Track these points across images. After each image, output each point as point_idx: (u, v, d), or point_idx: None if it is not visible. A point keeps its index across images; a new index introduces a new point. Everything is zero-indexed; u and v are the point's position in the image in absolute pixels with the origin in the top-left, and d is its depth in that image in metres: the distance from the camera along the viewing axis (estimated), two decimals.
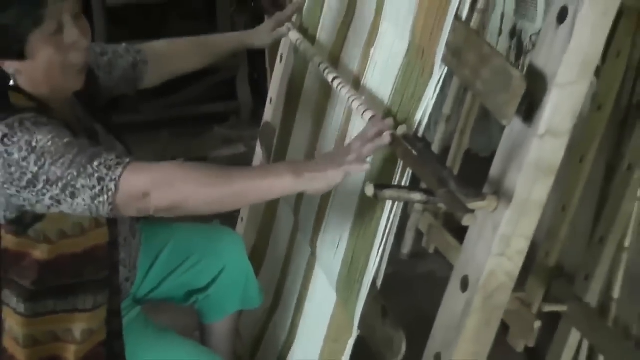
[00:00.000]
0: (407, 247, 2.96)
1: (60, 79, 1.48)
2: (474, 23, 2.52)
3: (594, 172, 2.38)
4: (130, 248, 1.71)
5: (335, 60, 1.81)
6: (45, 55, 1.43)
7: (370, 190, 1.25)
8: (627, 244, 2.30)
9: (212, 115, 4.11)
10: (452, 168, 2.75)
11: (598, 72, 2.31)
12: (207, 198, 1.38)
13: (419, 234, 2.94)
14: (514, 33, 2.48)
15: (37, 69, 1.44)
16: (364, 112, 1.47)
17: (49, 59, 1.44)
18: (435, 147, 2.80)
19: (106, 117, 1.71)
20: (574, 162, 2.37)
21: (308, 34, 1.98)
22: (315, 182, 1.38)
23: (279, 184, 1.39)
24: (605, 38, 1.16)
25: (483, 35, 2.59)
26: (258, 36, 2.04)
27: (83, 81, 1.53)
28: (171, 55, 1.95)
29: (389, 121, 1.42)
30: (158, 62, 1.89)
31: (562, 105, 1.16)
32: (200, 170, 1.41)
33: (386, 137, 1.39)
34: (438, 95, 1.41)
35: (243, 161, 2.79)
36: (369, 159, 1.41)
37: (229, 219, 2.42)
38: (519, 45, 2.47)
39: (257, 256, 2.22)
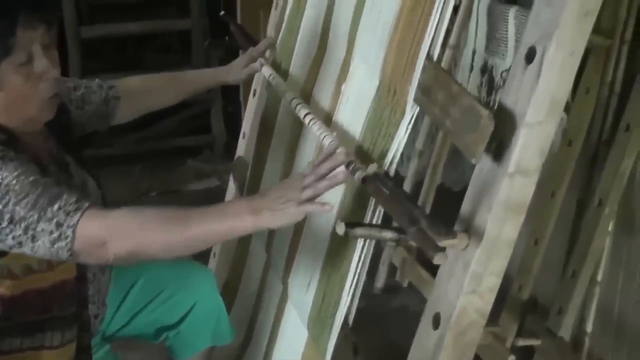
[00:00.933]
0: (380, 281, 2.95)
1: (30, 109, 1.47)
2: (445, 59, 2.54)
3: (565, 207, 2.40)
4: (100, 284, 1.69)
5: (307, 95, 1.81)
6: (15, 85, 1.42)
7: (341, 229, 1.24)
8: (599, 278, 2.32)
9: (186, 148, 4.11)
10: (425, 202, 2.76)
11: (568, 108, 2.33)
12: (165, 245, 1.37)
13: (392, 268, 2.93)
14: (485, 69, 2.50)
15: (7, 99, 1.44)
16: (335, 149, 1.47)
17: (18, 89, 1.43)
18: (408, 182, 2.80)
19: (78, 151, 1.70)
20: (545, 197, 2.38)
21: (281, 69, 1.99)
22: (275, 219, 1.37)
23: (238, 225, 1.39)
24: (573, 78, 1.17)
25: (455, 71, 2.61)
26: (232, 72, 2.05)
27: (54, 112, 1.53)
28: (144, 91, 1.95)
29: (342, 156, 1.39)
30: (131, 97, 1.89)
31: (531, 145, 1.17)
32: (157, 216, 1.39)
33: (340, 176, 1.37)
34: (411, 130, 1.41)
35: (216, 195, 2.77)
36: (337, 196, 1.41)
37: (201, 254, 2.39)
38: (490, 81, 2.49)
39: (229, 292, 2.20)
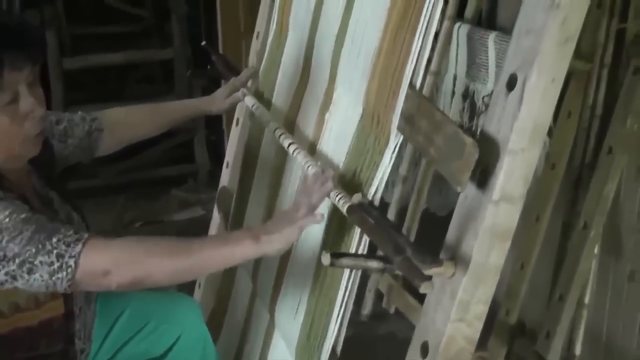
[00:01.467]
0: (367, 308, 2.94)
1: (15, 147, 1.46)
2: (427, 86, 2.55)
3: (550, 230, 2.40)
4: (86, 318, 1.68)
5: (290, 125, 1.82)
6: (1, 125, 1.42)
7: (326, 260, 1.24)
8: (586, 300, 2.32)
9: (170, 178, 4.09)
10: (410, 228, 2.76)
11: (550, 132, 2.34)
12: (169, 271, 1.41)
13: (379, 295, 2.93)
14: (467, 95, 2.51)
15: None
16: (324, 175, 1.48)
17: (4, 129, 1.43)
18: (393, 208, 2.80)
19: (61, 186, 1.69)
20: (531, 221, 2.39)
21: (264, 99, 1.99)
22: (273, 243, 1.41)
23: (239, 250, 1.42)
24: (555, 104, 1.17)
25: (436, 97, 2.62)
26: (215, 102, 2.06)
27: (39, 149, 1.53)
28: (127, 123, 1.95)
29: (329, 172, 1.45)
30: (114, 129, 1.89)
31: (515, 171, 1.17)
32: (160, 244, 1.43)
33: (329, 185, 1.43)
34: (395, 157, 1.42)
35: (201, 225, 2.76)
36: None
37: (186, 285, 2.39)
38: (472, 106, 2.50)
39: (215, 322, 2.19)
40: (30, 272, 1.36)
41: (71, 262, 1.35)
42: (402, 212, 2.81)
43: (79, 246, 1.37)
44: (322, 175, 1.45)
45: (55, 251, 1.36)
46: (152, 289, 1.85)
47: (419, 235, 2.77)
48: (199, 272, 1.49)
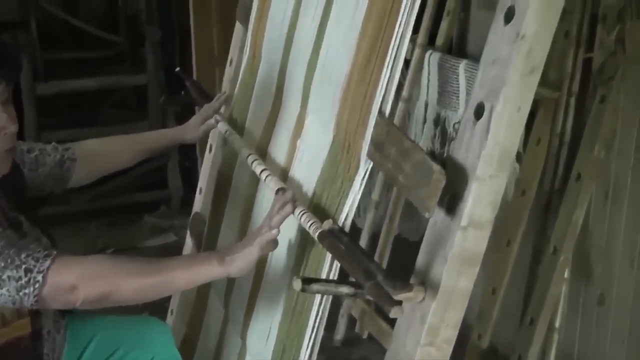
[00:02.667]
0: (340, 334, 2.94)
1: None
2: (399, 112, 2.58)
3: (521, 255, 2.43)
4: (55, 343, 1.68)
5: (263, 151, 1.83)
6: None
7: (297, 285, 1.25)
8: (557, 324, 2.34)
9: (142, 204, 4.08)
10: (382, 254, 2.78)
11: (520, 159, 2.37)
12: (135, 288, 1.44)
13: (352, 320, 2.93)
14: (438, 121, 2.54)
15: None
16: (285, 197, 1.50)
17: None
18: (365, 234, 2.81)
19: (31, 210, 1.69)
20: (501, 246, 2.41)
21: (237, 125, 2.00)
22: (235, 262, 1.48)
23: (204, 270, 1.49)
24: (521, 132, 1.20)
25: (408, 123, 2.65)
26: (189, 131, 2.07)
27: (8, 167, 1.54)
28: (102, 153, 1.95)
29: (290, 193, 1.52)
30: (87, 159, 1.89)
31: (483, 198, 1.19)
32: (127, 261, 1.48)
33: (289, 207, 1.48)
34: (367, 181, 1.43)
35: (173, 251, 2.77)
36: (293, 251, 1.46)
37: (158, 310, 2.39)
38: (443, 133, 2.53)
39: (187, 348, 2.18)
40: None
41: (39, 277, 1.37)
42: (374, 238, 2.83)
43: (48, 262, 1.39)
44: (283, 196, 1.51)
45: (23, 266, 1.37)
46: (123, 313, 1.87)
47: (391, 261, 2.79)
48: (166, 290, 1.53)
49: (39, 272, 1.37)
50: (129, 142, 2.02)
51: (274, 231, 1.48)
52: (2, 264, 1.37)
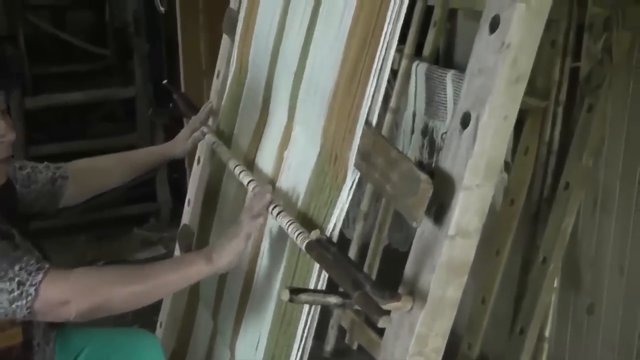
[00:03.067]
0: (329, 344, 2.93)
1: None
2: (387, 122, 2.58)
3: (510, 264, 2.43)
4: (44, 355, 1.68)
5: (250, 162, 1.83)
6: None
7: (285, 295, 1.25)
8: (547, 334, 2.34)
9: (132, 217, 4.08)
10: (372, 264, 2.77)
11: (509, 168, 2.38)
12: (127, 296, 1.46)
13: (341, 331, 2.92)
14: (426, 132, 2.55)
15: None
16: (279, 215, 1.50)
17: None
18: (354, 244, 2.81)
19: (23, 224, 1.70)
20: (491, 255, 2.41)
21: (224, 136, 2.00)
22: (223, 257, 1.51)
23: (193, 270, 1.51)
24: (507, 141, 1.20)
25: (396, 134, 2.65)
26: (177, 146, 2.08)
27: (4, 178, 1.58)
28: (93, 171, 1.96)
29: (267, 187, 1.58)
30: (79, 177, 1.90)
31: (470, 207, 1.19)
32: (117, 271, 1.51)
33: (267, 197, 1.52)
34: (355, 192, 1.44)
35: None
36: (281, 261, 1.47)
37: (147, 323, 2.38)
38: (431, 143, 2.53)
39: None
40: None
41: (31, 290, 1.39)
42: (363, 248, 2.83)
43: (40, 275, 1.41)
44: (261, 190, 1.55)
45: (17, 278, 1.40)
46: (112, 325, 1.87)
47: (381, 271, 2.78)
48: (157, 295, 1.55)
49: (31, 285, 1.40)
50: (120, 160, 2.03)
51: (259, 219, 1.52)
52: None
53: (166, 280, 1.51)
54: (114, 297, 1.45)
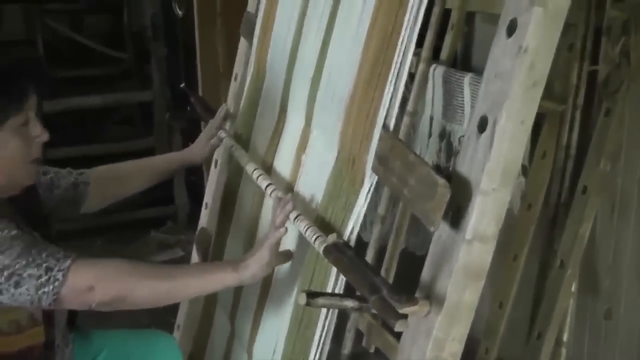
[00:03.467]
0: (347, 348, 2.94)
1: (20, 170, 1.55)
2: (404, 126, 2.59)
3: (528, 269, 2.43)
4: (64, 356, 1.70)
5: (268, 166, 1.84)
6: (13, 145, 1.51)
7: (303, 299, 1.26)
8: (564, 338, 2.33)
9: (149, 220, 4.09)
10: (389, 268, 2.78)
11: (526, 172, 2.38)
12: (150, 292, 1.49)
13: (359, 334, 2.92)
14: (444, 135, 2.55)
15: (3, 158, 1.51)
16: (296, 219, 1.51)
17: (15, 149, 1.52)
18: (372, 248, 2.81)
19: (46, 229, 1.72)
20: (508, 260, 2.41)
21: (242, 140, 2.01)
22: (249, 268, 1.52)
23: (218, 277, 1.53)
24: (524, 145, 1.20)
25: (414, 137, 2.66)
26: (196, 152, 2.10)
27: (34, 178, 1.62)
28: (114, 178, 1.98)
29: (288, 196, 1.59)
30: (100, 183, 1.92)
31: (487, 211, 1.19)
32: (143, 265, 1.53)
33: (289, 205, 1.54)
34: (373, 195, 1.44)
35: None
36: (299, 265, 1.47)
37: (164, 325, 2.39)
38: (448, 146, 2.54)
39: None
40: (17, 285, 1.42)
41: (59, 275, 1.42)
42: (381, 252, 2.83)
43: (68, 261, 1.44)
44: (283, 199, 1.57)
45: (44, 265, 1.42)
46: (130, 327, 1.88)
47: (398, 275, 2.79)
48: (179, 296, 1.60)
49: (59, 270, 1.42)
50: (140, 166, 2.05)
51: (281, 229, 1.53)
52: (24, 262, 1.41)
53: (189, 283, 1.53)
54: (137, 290, 1.47)
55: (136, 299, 1.48)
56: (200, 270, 1.59)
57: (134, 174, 2.02)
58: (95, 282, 1.44)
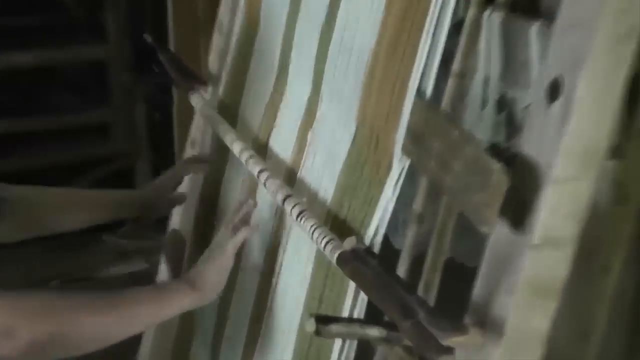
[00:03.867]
0: None
1: None
2: (448, 93, 2.58)
3: (623, 286, 2.42)
4: None
5: (262, 146, 1.86)
6: None
7: (311, 326, 1.26)
8: None
9: None
10: (429, 285, 2.78)
11: (619, 154, 2.37)
12: (90, 327, 1.49)
13: None
14: (504, 104, 2.54)
15: None
16: (300, 216, 1.52)
17: None
18: (405, 256, 2.81)
19: None
20: (594, 273, 2.40)
21: (228, 112, 2.02)
22: (208, 282, 1.61)
23: (175, 299, 1.59)
24: (613, 117, 1.20)
25: (461, 107, 2.65)
26: (157, 195, 2.17)
27: None
28: (39, 204, 2.01)
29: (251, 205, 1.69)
30: (20, 207, 1.92)
31: (562, 207, 1.19)
32: (75, 294, 1.54)
33: (251, 201, 1.67)
34: (406, 187, 1.44)
35: (142, 281, 2.76)
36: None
37: None
38: (509, 119, 2.53)
39: None
40: None
41: None
42: (418, 262, 2.83)
43: None
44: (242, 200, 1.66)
45: None
46: None
47: (441, 293, 2.79)
48: (129, 330, 1.58)
49: None
50: (77, 198, 2.11)
51: (254, 227, 1.63)
52: None
53: (139, 312, 1.56)
54: (72, 328, 1.47)
55: (73, 340, 1.48)
56: (149, 294, 1.62)
57: (67, 206, 2.06)
58: (13, 324, 1.42)
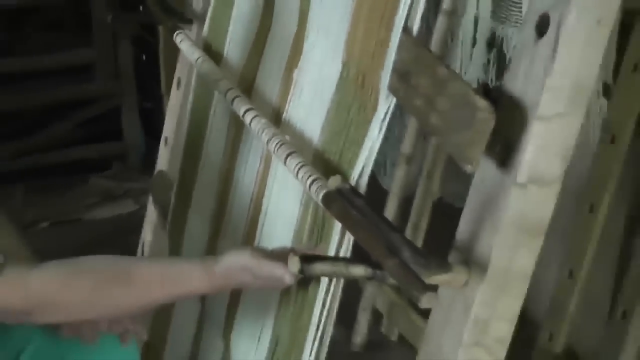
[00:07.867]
0: (360, 335, 2.96)
1: None
2: (438, 31, 2.58)
3: (610, 225, 2.43)
4: None
5: (248, 86, 1.85)
6: None
7: (294, 265, 1.27)
8: None
9: (88, 161, 4.09)
10: (417, 225, 2.80)
11: (609, 92, 2.37)
12: (105, 308, 1.57)
13: (377, 316, 2.94)
14: (493, 42, 2.54)
15: None
16: (285, 155, 1.52)
17: None
18: (394, 197, 2.82)
19: None
20: (583, 212, 2.42)
21: (212, 51, 2.01)
22: (229, 283, 1.58)
23: (187, 285, 1.58)
24: (602, 53, 1.20)
25: (451, 45, 2.65)
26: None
27: None
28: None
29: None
30: None
31: (549, 145, 1.20)
32: (90, 276, 1.55)
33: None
34: (395, 128, 1.45)
35: (131, 224, 2.77)
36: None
37: None
38: (500, 58, 2.53)
39: (152, 356, 2.22)
40: None
41: None
42: (406, 203, 2.84)
43: None
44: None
45: None
46: None
47: (430, 234, 2.80)
48: (137, 305, 1.60)
49: None
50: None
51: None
52: None
53: (154, 289, 1.58)
54: (85, 311, 1.57)
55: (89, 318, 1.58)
56: (165, 271, 1.61)
57: None
58: (30, 310, 1.50)
